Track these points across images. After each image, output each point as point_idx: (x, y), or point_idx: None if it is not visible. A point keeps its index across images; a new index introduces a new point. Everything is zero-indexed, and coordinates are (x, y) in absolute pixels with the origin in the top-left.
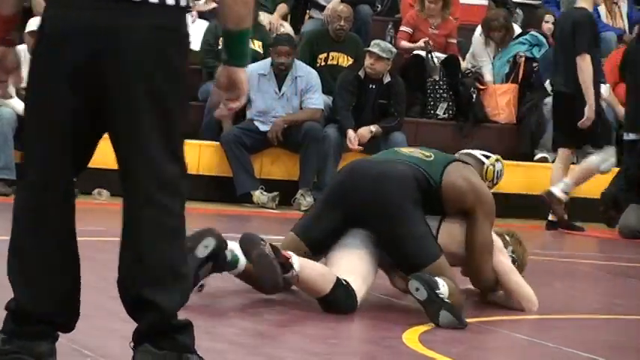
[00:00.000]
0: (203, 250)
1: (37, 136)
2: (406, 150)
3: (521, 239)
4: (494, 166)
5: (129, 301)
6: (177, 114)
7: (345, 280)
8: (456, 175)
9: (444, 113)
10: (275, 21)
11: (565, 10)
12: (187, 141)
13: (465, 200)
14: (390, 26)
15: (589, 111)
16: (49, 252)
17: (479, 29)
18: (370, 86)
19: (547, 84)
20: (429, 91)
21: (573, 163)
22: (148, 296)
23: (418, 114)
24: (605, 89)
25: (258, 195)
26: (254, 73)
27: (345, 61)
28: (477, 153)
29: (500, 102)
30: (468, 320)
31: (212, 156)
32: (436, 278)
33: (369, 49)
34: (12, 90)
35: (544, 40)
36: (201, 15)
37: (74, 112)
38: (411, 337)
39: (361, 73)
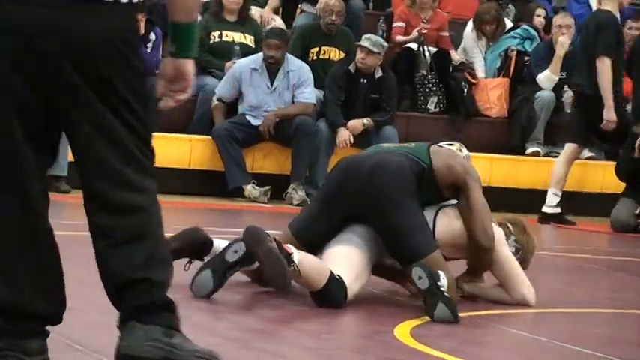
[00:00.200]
0: (232, 254)
1: None
2: (388, 145)
3: (525, 226)
4: (460, 151)
5: (119, 282)
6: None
7: (339, 275)
8: (441, 154)
9: (435, 107)
10: (266, 15)
11: (592, 12)
12: (179, 136)
13: (456, 173)
14: (381, 20)
15: (608, 113)
16: (29, 248)
17: (470, 24)
18: (361, 80)
19: (539, 78)
20: (418, 85)
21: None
22: (138, 275)
23: (409, 108)
24: None
25: (250, 189)
26: (246, 67)
27: (336, 55)
28: (442, 144)
29: (492, 96)
30: (460, 314)
31: (204, 150)
32: (438, 270)
33: (360, 43)
34: None
35: (535, 34)
36: None
37: (26, 111)
38: (403, 331)
39: (351, 67)
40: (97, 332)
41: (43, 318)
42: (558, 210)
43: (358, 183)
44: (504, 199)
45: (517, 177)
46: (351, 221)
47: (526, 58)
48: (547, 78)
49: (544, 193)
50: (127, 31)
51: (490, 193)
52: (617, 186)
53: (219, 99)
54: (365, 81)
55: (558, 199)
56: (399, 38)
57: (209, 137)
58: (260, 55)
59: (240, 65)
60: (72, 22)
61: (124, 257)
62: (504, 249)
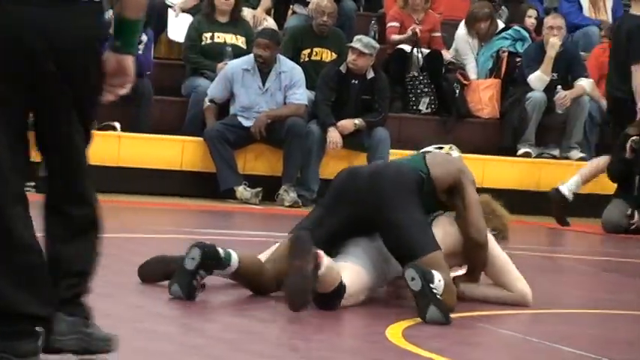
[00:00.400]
0: (191, 262)
1: None
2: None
3: (494, 206)
4: (451, 153)
5: (64, 274)
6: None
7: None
8: (437, 162)
9: (427, 108)
10: (259, 15)
11: (622, 16)
12: (171, 137)
13: (452, 174)
14: (373, 21)
15: None
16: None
17: (462, 25)
18: (352, 81)
19: (530, 79)
20: (409, 86)
21: None
22: (79, 268)
23: (401, 109)
24: (588, 84)
25: (242, 191)
26: (238, 68)
27: (328, 56)
28: (431, 148)
29: (484, 97)
30: (451, 315)
31: (195, 151)
32: (433, 271)
33: (351, 44)
34: None
35: (527, 35)
36: (184, 10)
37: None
38: (395, 332)
39: (342, 68)
40: None
41: (33, 318)
42: (571, 197)
43: (358, 188)
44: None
45: (509, 178)
46: (355, 226)
47: (517, 59)
48: (538, 79)
49: (536, 194)
50: (100, 28)
51: (482, 194)
52: (609, 187)
53: (211, 100)
54: (356, 82)
55: (575, 190)
56: (394, 37)
57: (201, 138)
58: (252, 56)
59: (232, 66)
60: (53, 19)
61: (75, 250)
62: (494, 247)
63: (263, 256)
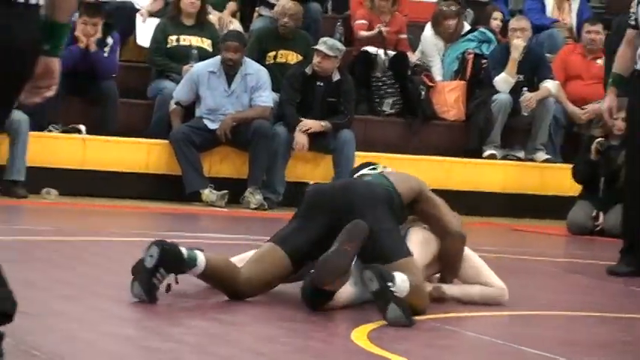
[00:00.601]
0: (150, 259)
1: None
2: None
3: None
4: (385, 168)
5: None
6: None
7: None
8: (397, 176)
9: (391, 109)
10: (225, 18)
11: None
12: (136, 139)
13: (414, 188)
14: (339, 24)
15: None
16: None
17: (428, 26)
18: (318, 84)
19: (495, 81)
20: (373, 87)
21: None
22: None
23: (366, 111)
24: (553, 85)
25: (208, 193)
26: (204, 70)
27: (294, 58)
28: (365, 170)
29: (449, 99)
30: (418, 317)
31: (161, 154)
32: (395, 273)
33: (316, 47)
34: None
35: (493, 37)
36: (151, 13)
37: None
38: (360, 334)
39: (308, 70)
40: (54, 338)
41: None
42: None
43: (332, 198)
44: (462, 203)
45: (474, 180)
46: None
47: (483, 61)
48: (503, 80)
49: (501, 196)
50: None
51: (447, 196)
52: (574, 188)
53: (176, 102)
54: (322, 84)
55: None
56: (362, 33)
57: (166, 141)
58: (218, 58)
59: (198, 68)
60: (17, 23)
61: None
62: (473, 256)
63: (238, 260)
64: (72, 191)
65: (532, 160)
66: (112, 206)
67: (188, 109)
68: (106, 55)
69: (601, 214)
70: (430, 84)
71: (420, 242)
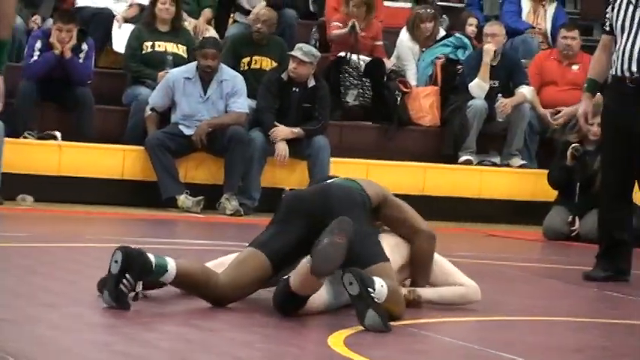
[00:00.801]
0: (115, 265)
1: None
2: None
3: None
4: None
5: None
6: None
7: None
8: (364, 182)
9: (355, 100)
10: (201, 26)
11: None
12: (111, 146)
13: (378, 193)
14: (314, 29)
15: None
16: None
17: (404, 30)
18: (294, 89)
19: (470, 86)
20: (340, 80)
21: None
22: None
23: (341, 117)
24: (528, 91)
25: (183, 199)
26: (179, 76)
27: (268, 64)
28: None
29: (424, 105)
30: (394, 323)
31: (136, 160)
32: (374, 277)
33: (292, 53)
34: None
35: (468, 43)
36: (127, 20)
37: None
38: (336, 340)
39: (284, 76)
40: (30, 344)
41: None
42: None
43: (309, 202)
44: (437, 208)
45: (450, 185)
46: (311, 239)
47: (458, 67)
48: (477, 86)
49: (477, 201)
50: None
51: (423, 201)
52: (550, 194)
53: (152, 108)
54: (297, 90)
55: None
56: (335, 32)
57: (142, 147)
58: (193, 64)
59: (173, 74)
60: None
61: None
62: (442, 259)
63: (213, 265)
64: (48, 198)
65: (508, 165)
66: (88, 212)
67: (163, 115)
68: (81, 61)
69: (577, 220)
70: (405, 90)
71: (390, 247)
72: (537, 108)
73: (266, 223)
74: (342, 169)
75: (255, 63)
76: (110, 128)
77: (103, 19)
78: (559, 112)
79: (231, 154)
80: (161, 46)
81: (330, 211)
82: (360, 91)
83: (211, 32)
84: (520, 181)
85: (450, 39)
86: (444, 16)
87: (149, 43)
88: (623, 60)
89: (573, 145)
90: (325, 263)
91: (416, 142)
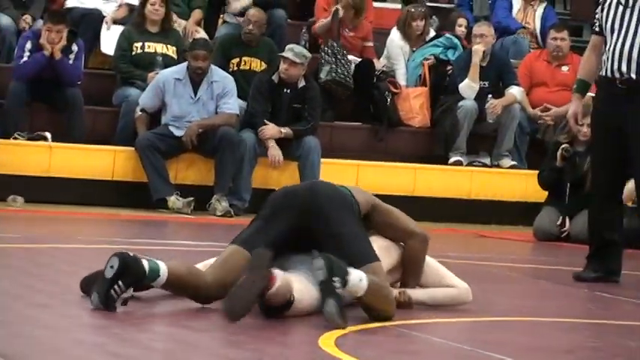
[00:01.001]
0: (110, 270)
1: None
2: None
3: None
4: None
5: None
6: None
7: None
8: (354, 189)
9: (327, 76)
10: (190, 27)
11: None
12: (102, 147)
13: (368, 200)
14: (304, 30)
15: None
16: None
17: (395, 30)
18: (285, 90)
19: (460, 87)
20: (320, 55)
21: None
22: None
23: (332, 118)
24: (518, 91)
25: (174, 200)
26: (170, 77)
27: (258, 65)
28: None
29: (414, 105)
30: (385, 323)
31: (126, 162)
32: (352, 270)
33: (283, 54)
34: None
35: (458, 43)
36: (116, 21)
37: None
38: (327, 341)
39: (275, 78)
40: (22, 344)
41: None
42: None
43: (298, 199)
44: (427, 209)
45: (440, 186)
46: (295, 236)
47: (449, 67)
48: (467, 86)
49: (467, 202)
50: None
51: (413, 202)
52: (540, 195)
53: (142, 109)
54: (288, 91)
55: None
56: (318, 24)
57: (132, 148)
58: (184, 65)
59: (164, 75)
60: None
61: None
62: (431, 261)
63: (202, 266)
64: (38, 198)
65: (498, 166)
66: (78, 213)
67: (154, 116)
68: (71, 62)
69: (567, 220)
70: (395, 90)
71: (381, 249)
72: (527, 109)
73: None
74: (333, 170)
75: (245, 64)
76: (100, 129)
77: (92, 20)
78: (548, 109)
79: (222, 155)
80: (151, 47)
81: (320, 208)
82: (334, 66)
83: (201, 33)
84: (510, 181)
85: (440, 39)
86: (433, 16)
87: (139, 44)
88: (613, 60)
89: (563, 145)
90: (236, 309)
91: (406, 143)
